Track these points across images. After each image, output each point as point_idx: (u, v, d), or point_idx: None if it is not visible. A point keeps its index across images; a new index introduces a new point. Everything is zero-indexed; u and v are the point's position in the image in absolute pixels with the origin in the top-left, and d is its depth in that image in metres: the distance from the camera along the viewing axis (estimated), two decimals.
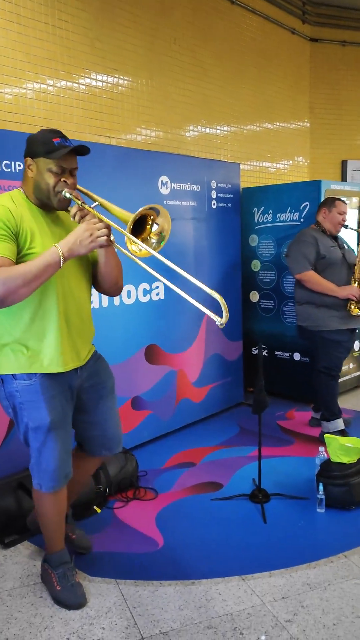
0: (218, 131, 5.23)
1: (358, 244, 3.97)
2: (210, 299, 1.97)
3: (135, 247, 1.94)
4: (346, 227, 3.95)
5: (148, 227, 1.99)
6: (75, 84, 3.96)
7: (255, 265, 4.91)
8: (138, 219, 1.93)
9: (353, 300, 3.78)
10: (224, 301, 1.86)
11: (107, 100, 4.20)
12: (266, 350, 4.71)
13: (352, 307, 3.79)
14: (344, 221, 3.91)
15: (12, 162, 2.97)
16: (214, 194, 4.36)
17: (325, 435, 3.17)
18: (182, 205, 4.08)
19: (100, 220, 1.93)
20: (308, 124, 6.25)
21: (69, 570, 2.31)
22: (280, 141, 5.95)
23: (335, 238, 3.95)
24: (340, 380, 4.89)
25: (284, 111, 5.96)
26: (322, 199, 4.43)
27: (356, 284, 3.82)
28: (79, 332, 2.15)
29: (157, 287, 3.89)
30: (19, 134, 3.12)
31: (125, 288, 3.64)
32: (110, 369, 2.39)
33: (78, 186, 2.08)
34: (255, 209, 4.87)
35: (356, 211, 4.96)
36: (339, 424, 3.88)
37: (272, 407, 3.94)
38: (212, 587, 2.36)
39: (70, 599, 2.24)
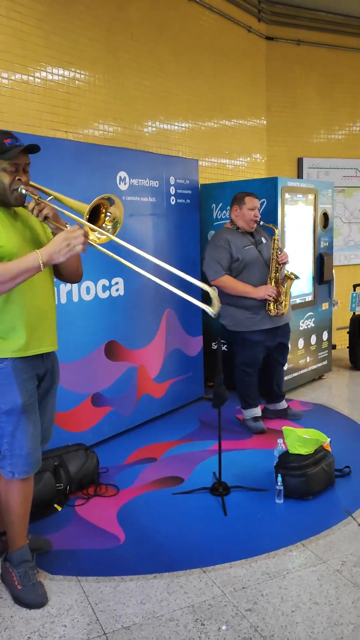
0: (176, 127, 5.24)
1: (272, 242, 3.96)
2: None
3: (93, 236, 2.08)
4: (259, 223, 3.97)
5: (102, 215, 2.12)
6: (30, 77, 3.89)
7: None
8: (93, 209, 2.06)
9: (270, 300, 3.85)
10: (215, 292, 2.09)
11: (64, 95, 4.15)
12: (225, 346, 4.76)
13: (271, 306, 3.86)
14: (257, 217, 3.93)
15: None
16: (172, 190, 4.37)
17: (284, 427, 3.24)
18: (141, 201, 4.07)
19: (80, 226, 2.03)
20: (265, 122, 6.33)
21: (30, 569, 2.29)
22: (238, 138, 6.01)
23: (251, 234, 3.99)
24: (297, 373, 5.01)
25: (241, 108, 6.01)
26: (279, 195, 4.50)
27: (272, 283, 3.89)
28: (46, 320, 2.25)
29: (117, 283, 3.88)
30: None
31: (84, 284, 3.62)
32: (59, 368, 2.44)
33: (31, 182, 2.19)
34: (214, 205, 4.91)
35: (312, 208, 5.06)
36: (254, 412, 4.10)
37: (231, 400, 3.99)
38: (174, 581, 2.39)
39: (31, 598, 2.23)
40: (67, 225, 2.12)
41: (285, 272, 3.98)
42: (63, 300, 3.49)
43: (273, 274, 3.90)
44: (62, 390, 3.49)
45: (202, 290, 2.17)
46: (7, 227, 2.12)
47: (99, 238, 2.10)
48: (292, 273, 3.97)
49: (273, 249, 3.93)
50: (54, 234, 2.17)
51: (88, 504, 3.06)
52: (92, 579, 2.41)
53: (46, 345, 2.25)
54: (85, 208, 2.04)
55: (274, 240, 3.93)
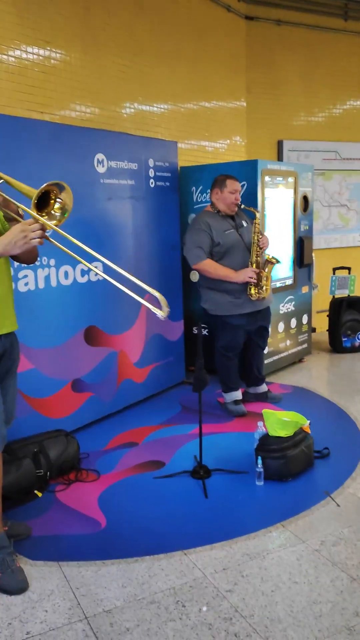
0: (155, 109, 5.16)
1: (254, 225, 3.92)
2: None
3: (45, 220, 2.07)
4: (240, 206, 3.94)
5: (52, 202, 2.10)
6: (4, 56, 3.79)
7: None
8: (42, 195, 2.04)
9: (252, 284, 3.85)
10: (164, 299, 2.15)
11: (40, 74, 4.05)
12: (206, 330, 4.76)
13: (252, 290, 3.86)
14: (237, 200, 3.90)
15: None
16: (151, 173, 4.32)
17: (264, 410, 3.26)
18: (120, 184, 4.02)
19: (36, 221, 2.03)
20: (245, 104, 6.27)
21: (8, 555, 2.29)
22: (218, 120, 5.95)
23: (232, 218, 3.96)
24: (277, 357, 5.04)
25: (220, 90, 5.94)
26: (259, 178, 4.48)
27: (253, 266, 3.88)
28: (4, 302, 2.28)
29: (96, 268, 3.82)
30: None
31: (62, 269, 3.57)
32: (19, 349, 2.46)
33: None
34: (194, 188, 4.87)
35: (292, 191, 5.04)
36: (234, 395, 4.12)
37: (213, 385, 3.99)
38: (155, 564, 2.40)
39: (11, 585, 2.22)
40: (19, 210, 2.13)
41: (267, 256, 3.98)
42: (41, 285, 3.44)
43: (254, 258, 3.88)
44: (42, 377, 3.48)
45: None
46: None
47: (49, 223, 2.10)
48: (273, 257, 3.96)
49: (254, 232, 3.91)
50: (7, 220, 2.19)
51: (69, 490, 3.06)
52: (73, 564, 2.41)
53: (6, 326, 2.28)
54: (34, 193, 2.02)
55: (255, 224, 3.91)
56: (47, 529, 2.67)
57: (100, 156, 3.82)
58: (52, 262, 3.48)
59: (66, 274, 3.61)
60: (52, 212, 2.10)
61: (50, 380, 3.56)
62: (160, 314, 2.06)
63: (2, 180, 2.14)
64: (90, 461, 3.39)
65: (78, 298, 3.71)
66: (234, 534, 2.60)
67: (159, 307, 2.10)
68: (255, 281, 3.83)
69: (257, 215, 3.93)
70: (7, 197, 2.13)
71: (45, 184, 2.04)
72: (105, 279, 2.27)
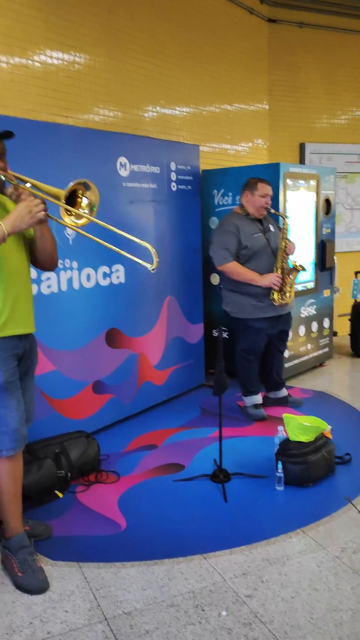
0: (177, 112, 5.18)
1: (281, 231, 3.92)
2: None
3: (69, 220, 2.18)
4: (269, 210, 3.92)
5: (79, 200, 2.22)
6: (30, 61, 3.84)
7: None
8: (69, 194, 2.15)
9: (275, 289, 3.83)
10: (154, 249, 2.28)
11: (64, 79, 4.09)
12: (227, 333, 4.75)
13: (275, 295, 3.84)
14: (268, 204, 3.87)
15: None
16: (173, 176, 4.33)
17: (284, 415, 3.24)
18: (142, 187, 4.04)
19: (37, 197, 2.13)
20: (267, 106, 6.26)
21: (29, 555, 2.31)
22: (239, 123, 5.95)
23: (260, 221, 3.94)
24: (298, 361, 5.01)
25: (242, 93, 5.94)
26: (281, 181, 4.46)
27: (279, 272, 3.86)
28: (24, 301, 2.32)
29: (117, 271, 3.86)
30: None
31: (85, 271, 3.60)
32: (37, 350, 2.50)
33: (9, 171, 2.24)
34: (215, 191, 4.87)
35: (314, 194, 5.02)
36: (254, 399, 4.10)
37: (233, 388, 3.99)
38: (174, 567, 2.40)
39: (32, 584, 2.24)
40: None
41: (293, 262, 3.95)
42: (64, 287, 3.47)
43: (280, 264, 3.86)
44: (64, 378, 3.51)
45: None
46: None
47: (75, 222, 2.19)
48: (299, 265, 3.94)
49: (282, 238, 3.89)
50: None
51: (89, 491, 3.08)
52: (93, 565, 2.42)
53: (24, 327, 2.32)
54: (62, 193, 2.14)
55: (283, 229, 3.90)
56: (68, 530, 2.70)
57: (122, 160, 3.85)
58: (75, 264, 3.52)
59: (88, 277, 3.64)
60: (81, 209, 2.21)
61: (72, 381, 3.59)
62: (150, 267, 2.22)
63: (29, 184, 2.21)
64: (110, 463, 3.41)
65: (100, 300, 3.74)
66: (253, 539, 2.59)
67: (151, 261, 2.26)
68: (279, 287, 3.82)
69: (286, 221, 3.90)
70: (38, 193, 2.18)
71: (71, 183, 2.14)
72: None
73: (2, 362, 2.22)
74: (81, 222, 2.19)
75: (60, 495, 3.00)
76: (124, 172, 3.87)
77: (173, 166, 4.32)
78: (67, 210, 2.16)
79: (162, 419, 4.14)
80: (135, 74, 4.69)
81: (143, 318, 4.14)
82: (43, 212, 2.13)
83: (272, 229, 3.98)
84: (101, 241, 2.29)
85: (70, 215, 2.17)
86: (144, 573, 2.37)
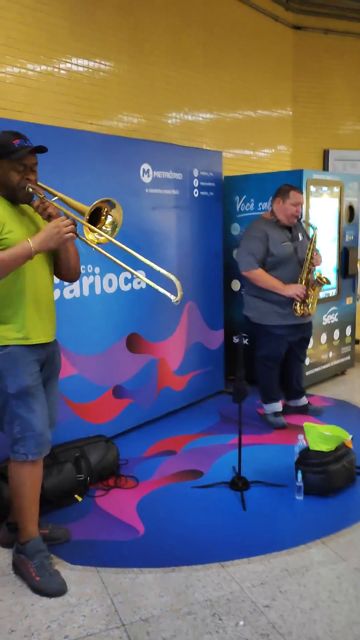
0: (200, 118, 5.20)
1: (310, 241, 3.89)
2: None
3: (92, 236, 2.21)
4: (299, 219, 3.90)
5: (103, 217, 2.25)
6: (55, 69, 3.90)
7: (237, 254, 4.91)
8: (93, 211, 2.19)
9: (298, 301, 3.80)
10: (178, 281, 2.26)
11: (88, 86, 4.14)
12: (247, 339, 4.74)
13: (297, 307, 3.81)
14: (298, 213, 3.83)
15: None
16: (196, 183, 4.35)
17: (305, 424, 3.22)
18: (164, 193, 4.06)
19: (67, 217, 2.17)
20: (290, 113, 6.24)
21: (45, 558, 2.33)
22: (263, 129, 5.94)
23: (289, 229, 3.91)
24: (319, 369, 4.97)
25: (266, 99, 5.94)
26: (304, 188, 4.44)
27: (303, 283, 3.83)
28: (46, 312, 2.36)
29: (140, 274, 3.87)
30: None
31: (107, 277, 3.63)
32: (60, 355, 2.54)
33: (39, 183, 2.29)
34: (237, 197, 4.87)
35: (337, 201, 4.98)
36: (274, 406, 4.08)
37: (252, 395, 3.96)
38: (192, 574, 2.40)
39: (50, 587, 2.26)
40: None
41: (317, 274, 3.92)
42: (85, 292, 3.50)
43: (305, 275, 3.84)
44: (84, 382, 3.54)
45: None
46: (13, 220, 2.23)
47: (97, 239, 2.22)
48: (324, 277, 3.90)
49: (310, 249, 3.86)
50: None
51: (108, 495, 3.09)
52: (111, 570, 2.43)
53: (46, 336, 2.35)
54: (86, 210, 2.17)
55: (312, 239, 3.87)
56: (86, 534, 2.71)
57: (146, 166, 3.87)
58: (97, 270, 3.55)
59: (110, 282, 3.67)
60: (103, 227, 2.25)
61: (93, 385, 3.62)
62: (174, 299, 2.21)
63: (56, 197, 2.26)
64: (129, 468, 3.41)
65: (121, 305, 3.76)
66: (272, 548, 2.57)
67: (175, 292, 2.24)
68: (302, 299, 3.80)
69: (315, 232, 3.88)
70: (63, 208, 2.23)
71: (96, 201, 2.17)
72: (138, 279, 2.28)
73: (25, 366, 2.26)
74: (102, 239, 2.23)
75: (80, 499, 3.01)
76: (146, 179, 3.90)
77: (196, 172, 4.33)
78: (89, 228, 2.19)
79: (181, 425, 4.14)
80: (160, 81, 4.73)
81: (163, 323, 4.15)
82: (72, 234, 2.17)
83: (300, 237, 3.95)
84: (123, 264, 2.34)
85: (93, 232, 2.21)
86: (162, 579, 2.36)
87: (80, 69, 4.08)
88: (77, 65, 4.04)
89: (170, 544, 2.63)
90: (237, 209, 4.88)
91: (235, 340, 4.89)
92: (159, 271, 2.30)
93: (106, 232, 2.24)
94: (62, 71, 3.94)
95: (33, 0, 3.68)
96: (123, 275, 3.76)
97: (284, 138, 6.22)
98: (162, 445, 3.78)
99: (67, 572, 2.40)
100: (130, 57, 4.45)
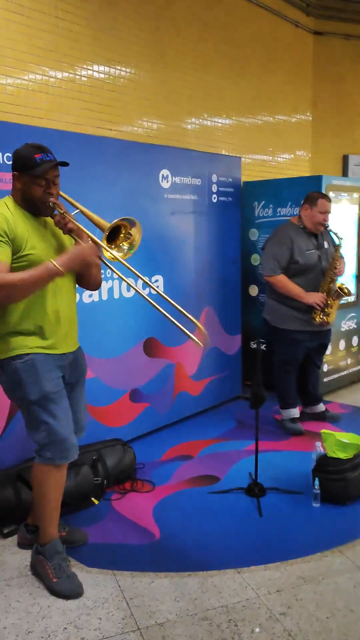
0: (219, 124, 5.21)
1: (336, 250, 3.87)
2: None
3: (108, 254, 2.21)
4: (326, 227, 3.87)
5: (122, 235, 2.27)
6: (77, 76, 3.95)
7: (255, 259, 4.92)
8: (114, 227, 2.21)
9: (317, 310, 3.78)
10: (202, 327, 2.28)
11: (109, 93, 4.18)
12: (264, 345, 4.72)
13: (316, 315, 3.80)
14: (325, 221, 3.81)
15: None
16: (214, 188, 4.36)
17: (322, 431, 3.20)
18: (183, 199, 4.08)
19: (92, 241, 2.20)
20: (310, 118, 6.23)
21: (63, 560, 2.35)
22: (282, 135, 5.94)
23: (316, 237, 3.89)
24: (337, 375, 4.93)
25: (285, 104, 5.94)
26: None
27: (324, 292, 3.81)
28: (67, 322, 2.38)
29: (157, 281, 3.90)
30: (20, 126, 3.12)
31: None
32: (85, 361, 2.56)
33: (62, 193, 2.31)
34: (256, 203, 4.87)
35: (356, 207, 4.96)
36: (292, 412, 4.06)
37: (270, 401, 3.94)
38: (208, 580, 2.40)
39: (68, 589, 2.28)
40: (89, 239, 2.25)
41: (339, 284, 3.89)
42: (104, 296, 3.53)
43: (327, 284, 3.82)
44: (101, 386, 3.56)
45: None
46: (34, 234, 2.24)
47: (114, 255, 2.22)
48: (346, 288, 3.88)
49: (334, 258, 3.85)
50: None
51: (124, 499, 3.10)
52: (127, 574, 2.44)
53: (66, 347, 2.37)
54: (106, 226, 2.18)
55: (337, 248, 3.86)
56: (103, 537, 2.72)
57: (165, 172, 3.90)
58: (115, 274, 3.57)
59: (128, 287, 3.69)
60: (121, 245, 2.27)
61: (110, 389, 3.64)
62: (199, 343, 2.21)
63: (77, 211, 2.28)
64: (145, 472, 3.43)
65: (139, 310, 3.78)
66: (288, 556, 2.56)
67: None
68: (321, 308, 3.78)
69: (341, 242, 3.86)
70: (81, 227, 2.24)
71: (117, 219, 2.18)
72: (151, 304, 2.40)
73: (45, 373, 2.27)
74: (119, 255, 2.24)
75: (96, 502, 3.03)
76: (165, 184, 3.92)
77: (214, 178, 4.35)
78: (108, 244, 2.21)
79: (197, 430, 4.14)
80: (180, 87, 4.76)
81: None
82: (97, 260, 2.21)
83: (326, 245, 3.93)
84: (147, 298, 2.39)
85: (112, 248, 2.23)
86: (177, 584, 2.37)
87: (102, 75, 4.12)
88: (98, 72, 4.09)
89: (186, 548, 2.64)
90: (256, 215, 4.88)
91: (253, 345, 4.88)
92: (185, 314, 2.36)
93: (122, 251, 2.27)
94: (83, 78, 3.99)
95: (56, 9, 3.74)
96: (141, 280, 3.77)
97: (303, 143, 6.21)
98: (179, 449, 3.78)
99: (84, 574, 2.42)
100: (151, 64, 4.49)
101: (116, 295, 3.62)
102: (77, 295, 3.30)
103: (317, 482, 2.99)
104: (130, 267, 2.25)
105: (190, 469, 3.48)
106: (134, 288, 2.40)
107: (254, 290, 4.96)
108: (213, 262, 4.41)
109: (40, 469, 2.34)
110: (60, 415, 2.29)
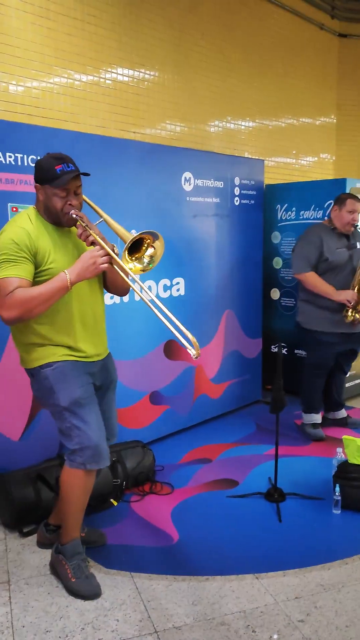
0: (243, 127, 5.20)
1: None
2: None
3: (131, 264, 2.17)
4: (357, 227, 3.85)
5: (144, 248, 2.21)
6: (101, 79, 3.98)
7: (277, 262, 4.89)
8: (137, 239, 2.15)
9: (348, 307, 3.74)
10: (194, 338, 2.19)
11: (133, 96, 4.21)
12: (285, 349, 4.69)
13: (348, 313, 3.75)
14: (355, 221, 3.79)
15: (40, 157, 3.00)
16: (237, 191, 4.35)
17: (344, 437, 3.16)
18: (205, 201, 4.07)
19: (102, 248, 2.16)
20: (334, 120, 6.18)
21: (82, 561, 2.35)
22: (306, 137, 5.90)
23: (347, 237, 3.87)
24: (354, 383, 4.86)
25: (310, 107, 5.90)
26: None
27: (355, 289, 3.76)
28: (94, 329, 2.37)
29: (178, 283, 3.90)
30: (45, 128, 3.15)
31: (146, 284, 3.67)
32: (115, 366, 2.55)
33: (86, 198, 2.30)
34: (279, 206, 4.84)
35: None
36: (314, 417, 4.04)
37: (290, 405, 3.93)
38: (226, 584, 2.38)
39: (86, 590, 2.28)
40: (115, 248, 2.22)
41: None
42: (125, 299, 3.54)
43: (357, 282, 3.79)
44: (122, 387, 3.56)
45: None
46: (57, 246, 2.23)
47: (135, 267, 2.19)
48: None
49: None
50: None
51: (143, 501, 3.10)
52: (144, 576, 2.44)
53: (95, 352, 2.36)
54: (129, 238, 2.13)
55: None
56: (121, 539, 2.73)
57: (187, 175, 3.90)
58: (137, 277, 3.58)
59: (149, 289, 3.70)
60: (142, 257, 2.21)
61: (130, 391, 3.65)
62: (194, 353, 2.14)
63: (101, 220, 2.26)
64: (164, 474, 3.42)
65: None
66: (307, 563, 2.53)
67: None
68: (352, 306, 3.75)
69: None
70: (101, 242, 2.18)
71: (140, 232, 2.14)
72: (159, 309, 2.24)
73: (75, 378, 2.27)
74: (139, 267, 2.19)
75: (115, 503, 3.04)
76: (188, 187, 3.92)
77: (237, 181, 4.34)
78: (129, 255, 2.16)
79: (217, 433, 4.13)
80: (203, 90, 4.76)
81: (201, 331, 4.16)
82: (106, 265, 2.15)
83: (358, 246, 3.90)
84: (156, 311, 2.23)
85: (133, 260, 2.18)
86: (195, 588, 2.36)
87: (126, 78, 4.15)
88: (122, 75, 4.12)
89: (204, 552, 2.63)
90: (279, 218, 4.85)
91: (274, 349, 4.85)
92: (180, 328, 2.23)
93: (142, 263, 2.20)
94: (107, 81, 4.02)
95: (82, 13, 3.77)
96: (162, 282, 3.79)
97: (327, 146, 6.16)
98: (198, 453, 3.78)
99: (102, 575, 2.42)
100: (174, 67, 4.50)
101: (137, 298, 3.63)
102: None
103: (337, 488, 2.96)
104: (140, 283, 2.19)
105: (209, 472, 3.47)
106: (138, 294, 2.25)
107: (275, 294, 4.93)
108: (235, 265, 4.40)
109: (69, 472, 2.33)
110: (91, 421, 2.27)
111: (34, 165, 2.29)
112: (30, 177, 2.94)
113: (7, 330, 2.65)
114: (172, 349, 3.92)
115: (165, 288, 3.82)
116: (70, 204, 2.19)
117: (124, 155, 3.45)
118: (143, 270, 2.20)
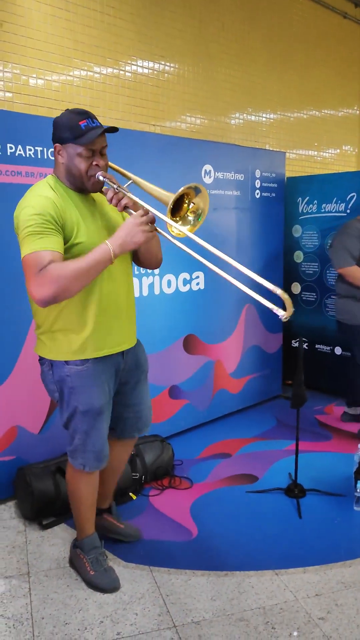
0: (264, 119, 5.14)
1: None
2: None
3: (176, 230, 1.91)
4: None
5: (185, 205, 1.93)
6: (121, 71, 3.95)
7: (298, 256, 4.83)
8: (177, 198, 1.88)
9: None
10: (287, 296, 1.86)
11: (153, 88, 4.18)
12: (306, 344, 4.64)
13: None
14: None
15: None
16: (257, 184, 4.30)
17: None
18: (225, 194, 4.03)
19: (146, 213, 1.90)
20: (357, 112, 6.07)
21: (100, 555, 2.35)
22: (328, 129, 5.81)
23: None
24: None
25: (332, 98, 5.80)
26: None
27: None
28: (125, 314, 2.19)
29: (197, 277, 3.88)
30: None
31: (166, 277, 3.65)
32: (146, 355, 2.42)
33: (111, 164, 2.05)
34: (300, 199, 4.78)
35: None
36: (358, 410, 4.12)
37: (311, 401, 3.88)
38: (245, 580, 2.36)
39: (105, 583, 2.28)
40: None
41: None
42: (145, 292, 3.53)
43: None
44: None
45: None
46: (85, 217, 1.99)
47: (180, 230, 1.91)
48: None
49: None
50: None
51: (162, 495, 3.10)
52: (163, 570, 2.43)
53: (124, 343, 2.19)
54: (170, 198, 1.84)
55: None
56: (141, 533, 2.72)
57: (207, 167, 3.86)
58: (156, 270, 3.57)
59: (169, 283, 3.68)
60: (186, 215, 1.93)
61: (150, 385, 3.63)
62: (283, 313, 1.81)
63: (130, 182, 1.99)
64: (183, 469, 3.41)
65: (179, 306, 3.77)
66: (328, 559, 2.50)
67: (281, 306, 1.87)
68: None
69: None
70: (139, 200, 1.94)
71: (181, 188, 1.86)
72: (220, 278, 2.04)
73: (100, 385, 2.13)
74: (186, 228, 1.92)
75: (134, 497, 3.04)
76: (208, 180, 3.89)
77: (258, 173, 4.28)
78: (172, 218, 1.88)
79: (236, 428, 4.10)
80: (224, 82, 4.71)
81: (221, 325, 4.13)
82: (152, 232, 1.89)
83: None
84: (211, 265, 1.98)
85: (177, 221, 1.90)
86: (214, 583, 2.34)
87: (145, 70, 4.12)
88: (142, 67, 4.09)
89: (224, 547, 2.61)
90: (300, 211, 4.79)
91: (294, 344, 4.80)
92: (263, 284, 1.93)
93: (188, 221, 1.92)
94: (127, 73, 3.99)
95: (101, 4, 3.75)
96: (182, 276, 3.76)
97: (350, 138, 6.06)
98: (217, 447, 3.76)
99: (121, 569, 2.42)
100: (195, 59, 4.46)
101: (157, 292, 3.61)
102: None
103: (359, 485, 2.91)
104: (198, 239, 1.87)
105: (228, 467, 3.45)
106: (202, 261, 1.95)
107: (296, 288, 4.87)
108: (255, 258, 4.35)
109: (72, 471, 2.29)
110: (100, 427, 2.18)
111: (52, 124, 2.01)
112: (51, 171, 2.95)
113: (27, 320, 2.64)
114: (191, 343, 3.90)
115: (185, 282, 3.80)
116: (96, 165, 1.95)
117: (144, 148, 3.43)
118: (193, 229, 1.92)
